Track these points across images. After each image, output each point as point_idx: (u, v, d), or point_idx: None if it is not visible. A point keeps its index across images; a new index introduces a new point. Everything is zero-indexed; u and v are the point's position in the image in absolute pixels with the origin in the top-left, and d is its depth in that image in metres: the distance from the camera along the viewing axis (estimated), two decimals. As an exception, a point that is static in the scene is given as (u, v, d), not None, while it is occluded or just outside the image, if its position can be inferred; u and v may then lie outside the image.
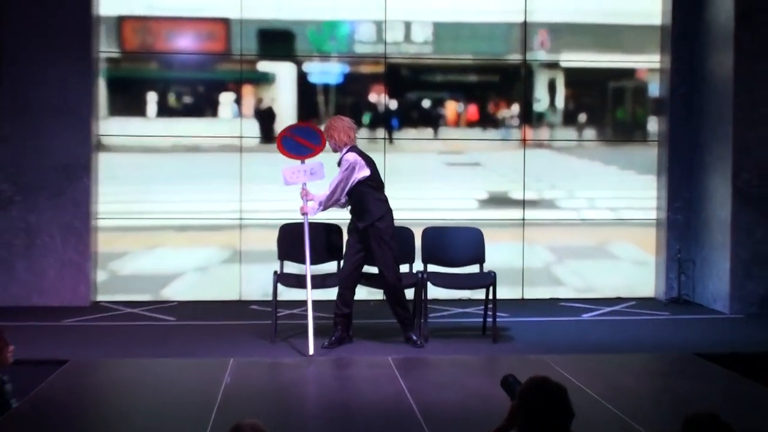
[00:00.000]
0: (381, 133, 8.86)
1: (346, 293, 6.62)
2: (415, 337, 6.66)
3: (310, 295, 6.47)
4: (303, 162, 6.69)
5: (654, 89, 9.11)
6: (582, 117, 9.16)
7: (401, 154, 8.87)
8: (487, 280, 7.01)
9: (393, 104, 8.91)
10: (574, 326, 7.71)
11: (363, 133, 8.82)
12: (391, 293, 6.58)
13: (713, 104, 8.50)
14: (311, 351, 6.19)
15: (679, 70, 8.82)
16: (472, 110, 9.06)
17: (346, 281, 6.63)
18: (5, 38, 8.13)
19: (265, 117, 8.83)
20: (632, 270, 9.09)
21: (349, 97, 8.98)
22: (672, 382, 6.03)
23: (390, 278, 6.56)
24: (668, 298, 8.78)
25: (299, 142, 6.72)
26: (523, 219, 8.95)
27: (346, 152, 6.56)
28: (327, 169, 6.74)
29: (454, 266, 7.30)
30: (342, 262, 6.87)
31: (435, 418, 5.07)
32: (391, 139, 8.87)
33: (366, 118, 8.92)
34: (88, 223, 8.35)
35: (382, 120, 8.87)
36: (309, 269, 6.54)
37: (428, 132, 9.03)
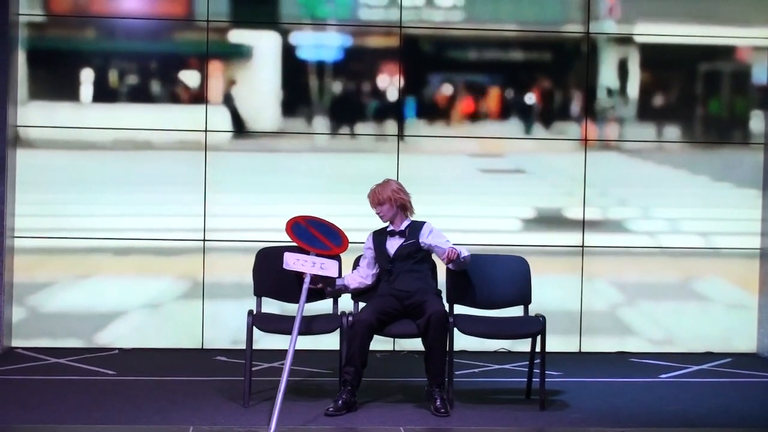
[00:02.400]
0: (392, 127, 9.01)
1: (361, 341, 6.83)
2: (439, 402, 6.79)
3: (288, 364, 6.57)
4: (312, 254, 7.01)
5: (760, 74, 9.26)
6: (662, 110, 9.30)
7: (419, 156, 9.03)
8: (534, 326, 7.11)
9: (409, 90, 9.06)
10: (649, 390, 7.81)
11: (369, 128, 8.99)
12: (437, 323, 6.76)
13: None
14: (272, 429, 6.27)
15: (793, 48, 9.01)
16: (516, 99, 9.20)
17: (361, 328, 6.82)
18: None
19: (239, 104, 9.00)
20: (727, 316, 9.22)
21: (351, 80, 9.12)
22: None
23: (438, 305, 6.87)
24: (776, 355, 8.92)
25: (314, 235, 7.12)
26: (582, 245, 9.08)
27: (419, 223, 7.20)
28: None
29: (490, 308, 7.41)
30: (359, 305, 7.14)
31: None
32: (405, 137, 9.01)
33: (373, 108, 9.07)
34: (1, 243, 8.51)
35: (395, 110, 9.03)
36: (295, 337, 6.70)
37: (456, 127, 9.18)
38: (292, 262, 6.94)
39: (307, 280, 6.88)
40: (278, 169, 8.97)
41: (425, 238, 7.13)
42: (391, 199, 7.13)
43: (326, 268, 6.96)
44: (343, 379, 6.86)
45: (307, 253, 6.96)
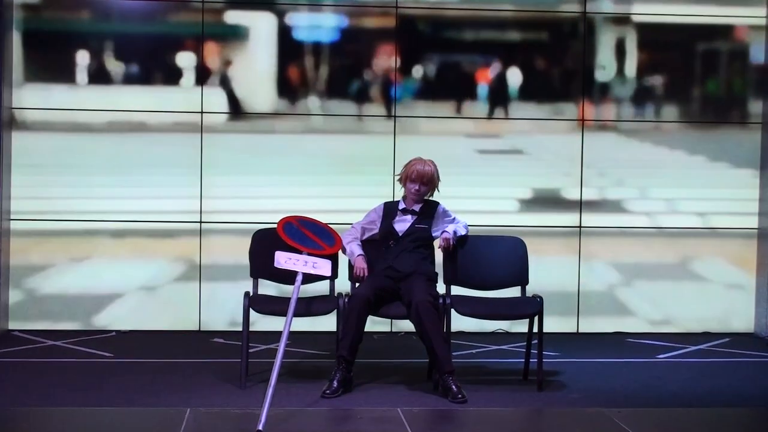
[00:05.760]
0: (388, 108, 8.99)
1: (358, 315, 6.82)
2: (455, 388, 6.72)
3: (282, 350, 6.49)
4: (304, 253, 6.91)
5: (758, 53, 9.24)
6: (660, 90, 9.29)
7: (415, 137, 9.00)
8: (531, 307, 7.12)
9: (405, 70, 9.04)
10: (646, 370, 7.83)
11: (365, 108, 8.98)
12: (424, 313, 6.73)
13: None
14: (261, 425, 6.03)
15: (790, 28, 8.99)
16: (513, 79, 9.19)
17: (357, 303, 6.81)
18: None
19: (235, 86, 8.97)
20: (725, 296, 9.23)
21: (347, 61, 9.11)
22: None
23: (422, 294, 6.79)
24: (773, 335, 8.93)
25: (307, 235, 7.06)
26: (580, 226, 9.08)
27: (432, 203, 7.23)
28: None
29: (487, 289, 7.41)
30: (356, 284, 7.11)
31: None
32: (401, 117, 8.99)
33: (369, 89, 9.05)
34: (-3, 226, 8.51)
35: (391, 91, 9.01)
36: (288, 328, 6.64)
37: (452, 108, 9.16)
38: (284, 260, 6.83)
39: (299, 278, 6.83)
40: (274, 151, 8.95)
41: (438, 231, 7.15)
42: (436, 185, 7.16)
43: (318, 267, 6.87)
44: (338, 355, 6.84)
45: (300, 252, 6.93)
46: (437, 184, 7.17)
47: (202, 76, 8.88)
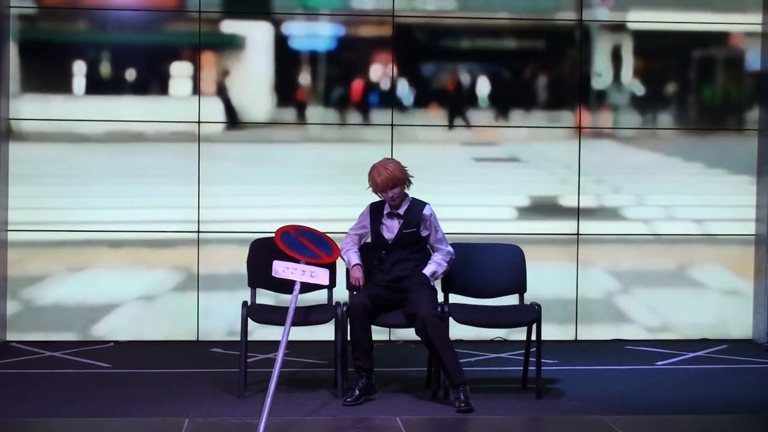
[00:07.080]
0: (385, 117, 9.00)
1: (361, 323, 6.80)
2: (463, 396, 6.69)
3: (280, 358, 6.49)
4: (301, 262, 6.89)
5: (754, 60, 9.25)
6: (656, 97, 9.30)
7: (413, 145, 9.00)
8: (529, 315, 7.13)
9: (403, 79, 9.05)
10: (645, 377, 7.83)
11: (362, 117, 8.99)
12: (432, 327, 6.70)
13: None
14: (263, 421, 6.10)
15: (786, 34, 9.00)
16: (510, 87, 9.20)
17: (357, 312, 6.80)
18: None
19: (232, 95, 8.97)
20: (723, 302, 9.24)
21: (344, 70, 9.12)
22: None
23: (427, 306, 6.75)
24: (771, 341, 8.93)
25: (304, 244, 7.04)
26: (578, 233, 9.08)
27: (419, 205, 7.04)
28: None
29: (485, 297, 7.41)
30: (353, 292, 7.08)
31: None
32: (398, 125, 9.00)
33: (366, 98, 9.06)
34: (-6, 237, 8.51)
35: (388, 99, 9.02)
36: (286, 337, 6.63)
37: (449, 116, 9.17)
38: (282, 269, 6.83)
39: (297, 287, 6.81)
40: (272, 160, 8.96)
41: (426, 231, 7.01)
42: (403, 180, 6.94)
43: (316, 276, 6.86)
44: (356, 366, 6.84)
45: (297, 261, 6.91)
46: (407, 177, 6.96)
47: (199, 85, 8.88)
